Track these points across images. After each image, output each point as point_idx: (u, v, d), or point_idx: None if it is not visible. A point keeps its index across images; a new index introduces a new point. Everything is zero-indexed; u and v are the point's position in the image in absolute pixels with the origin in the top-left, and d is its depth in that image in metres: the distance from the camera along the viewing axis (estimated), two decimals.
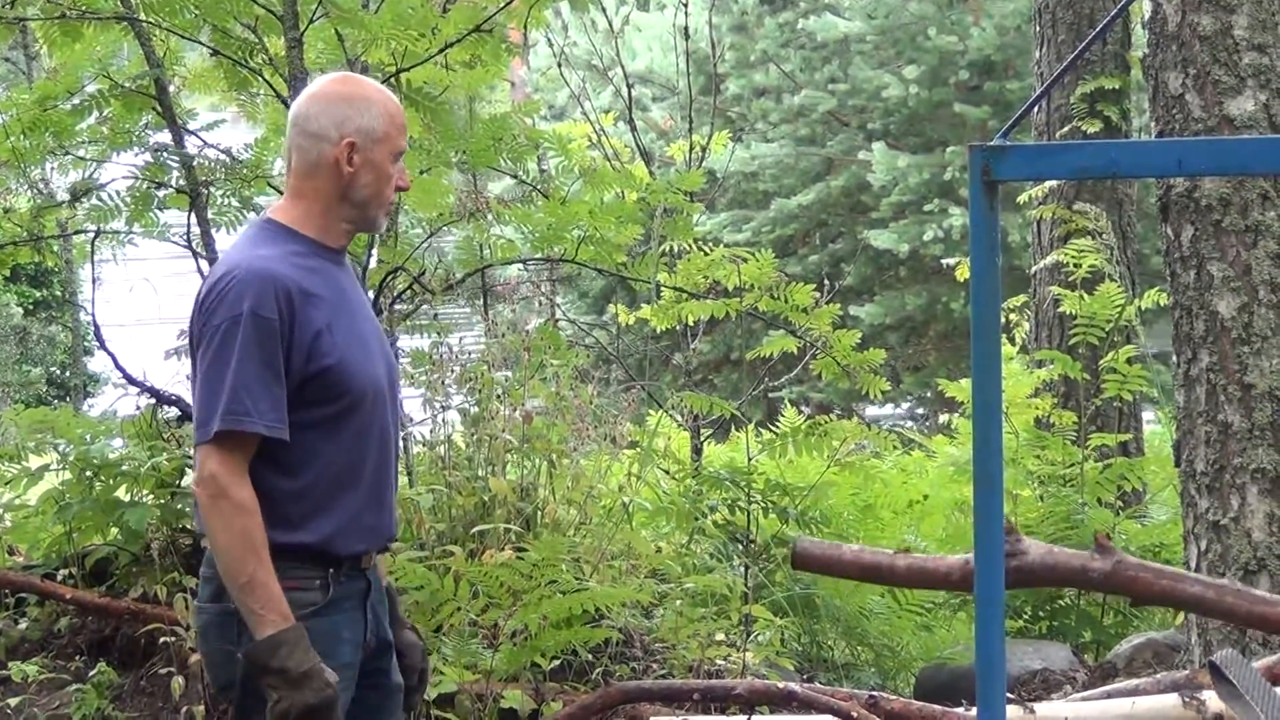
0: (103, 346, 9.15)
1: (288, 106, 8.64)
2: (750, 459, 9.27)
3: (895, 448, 13.05)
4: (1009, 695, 5.38)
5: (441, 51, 9.17)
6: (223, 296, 4.15)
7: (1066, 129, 12.23)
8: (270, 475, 4.17)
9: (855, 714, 6.39)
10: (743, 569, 8.95)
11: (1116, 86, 12.34)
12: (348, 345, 4.26)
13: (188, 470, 8.39)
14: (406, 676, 4.60)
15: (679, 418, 11.19)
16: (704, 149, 12.90)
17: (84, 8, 9.06)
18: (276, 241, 4.30)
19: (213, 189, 9.39)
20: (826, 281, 10.97)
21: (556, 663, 7.35)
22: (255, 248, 4.29)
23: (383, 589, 4.52)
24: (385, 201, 4.41)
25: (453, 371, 8.61)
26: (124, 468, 8.30)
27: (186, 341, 4.34)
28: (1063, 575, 4.88)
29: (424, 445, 8.92)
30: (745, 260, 9.85)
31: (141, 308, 10.41)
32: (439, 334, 9.29)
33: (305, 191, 4.36)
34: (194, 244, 9.21)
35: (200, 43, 9.49)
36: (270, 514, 4.13)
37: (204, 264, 9.20)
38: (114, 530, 8.30)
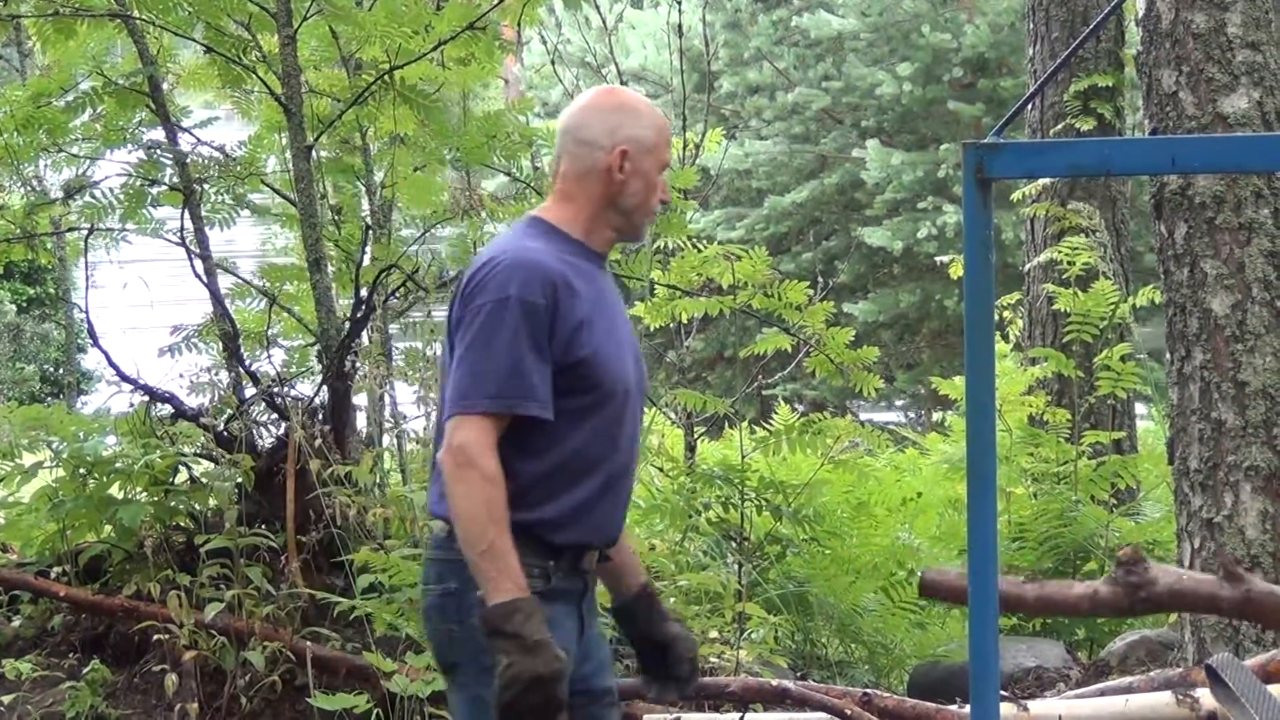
0: (96, 344, 9.14)
1: (281, 103, 8.68)
2: (744, 456, 9.27)
3: (889, 445, 13.06)
4: (1003, 693, 5.39)
5: (435, 49, 9.17)
6: (487, 280, 4.23)
7: (1060, 126, 12.24)
8: (513, 456, 4.21)
9: (849, 711, 6.40)
10: (736, 567, 8.95)
11: (1110, 84, 12.34)
12: (604, 341, 4.32)
13: (181, 468, 8.40)
14: (678, 666, 4.66)
15: (673, 415, 11.18)
16: (697, 146, 12.88)
17: (77, 5, 9.05)
18: (545, 238, 4.37)
19: (206, 186, 9.39)
20: (820, 279, 10.99)
21: None
22: (523, 240, 4.37)
23: (595, 596, 4.55)
24: (650, 211, 4.51)
25: None
26: (117, 465, 8.29)
27: (445, 324, 4.38)
28: (1191, 603, 4.83)
29: (418, 443, 8.91)
30: (739, 258, 9.84)
31: (135, 305, 10.40)
32: (433, 331, 9.28)
33: (575, 195, 4.44)
34: (188, 241, 9.20)
35: (194, 40, 9.48)
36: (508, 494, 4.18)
37: (197, 262, 9.19)
38: (107, 528, 8.30)
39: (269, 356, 9.46)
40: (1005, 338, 12.62)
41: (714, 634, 7.88)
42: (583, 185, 4.42)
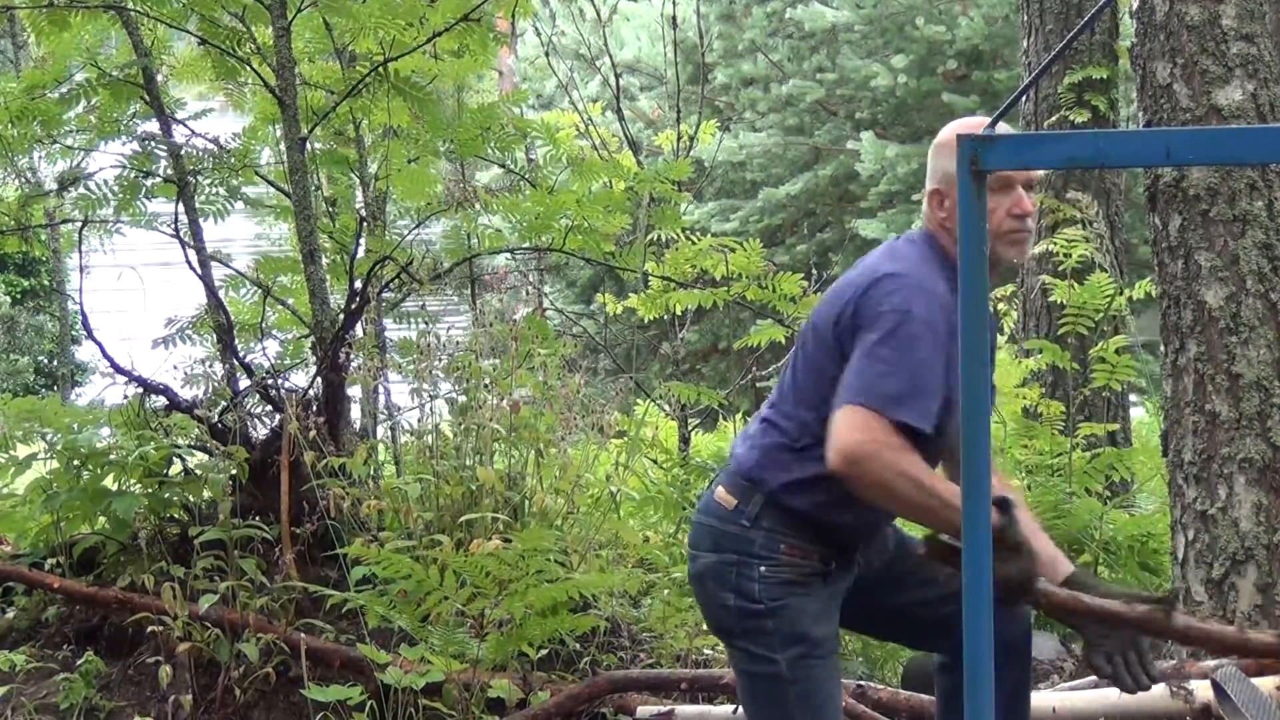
0: (90, 336, 9.14)
1: (275, 95, 8.68)
2: None
3: None
4: None
5: (430, 41, 9.18)
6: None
7: (1054, 118, 12.23)
8: None
9: (842, 704, 6.40)
10: None
11: (1104, 76, 12.34)
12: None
13: (175, 460, 8.40)
14: None
15: (666, 407, 11.19)
16: (692, 138, 12.89)
17: None
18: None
19: (201, 178, 9.39)
20: (814, 271, 10.98)
21: (544, 652, 7.36)
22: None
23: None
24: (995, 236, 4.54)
25: (440, 360, 8.61)
26: (111, 457, 8.29)
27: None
28: None
29: (411, 434, 8.91)
30: (733, 250, 9.84)
31: (129, 297, 10.41)
32: (426, 323, 9.29)
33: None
34: (182, 233, 9.20)
35: (188, 31, 9.48)
36: None
37: (191, 253, 9.19)
38: (101, 519, 8.30)
39: (263, 348, 9.47)
40: (1000, 330, 12.61)
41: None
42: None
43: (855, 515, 4.47)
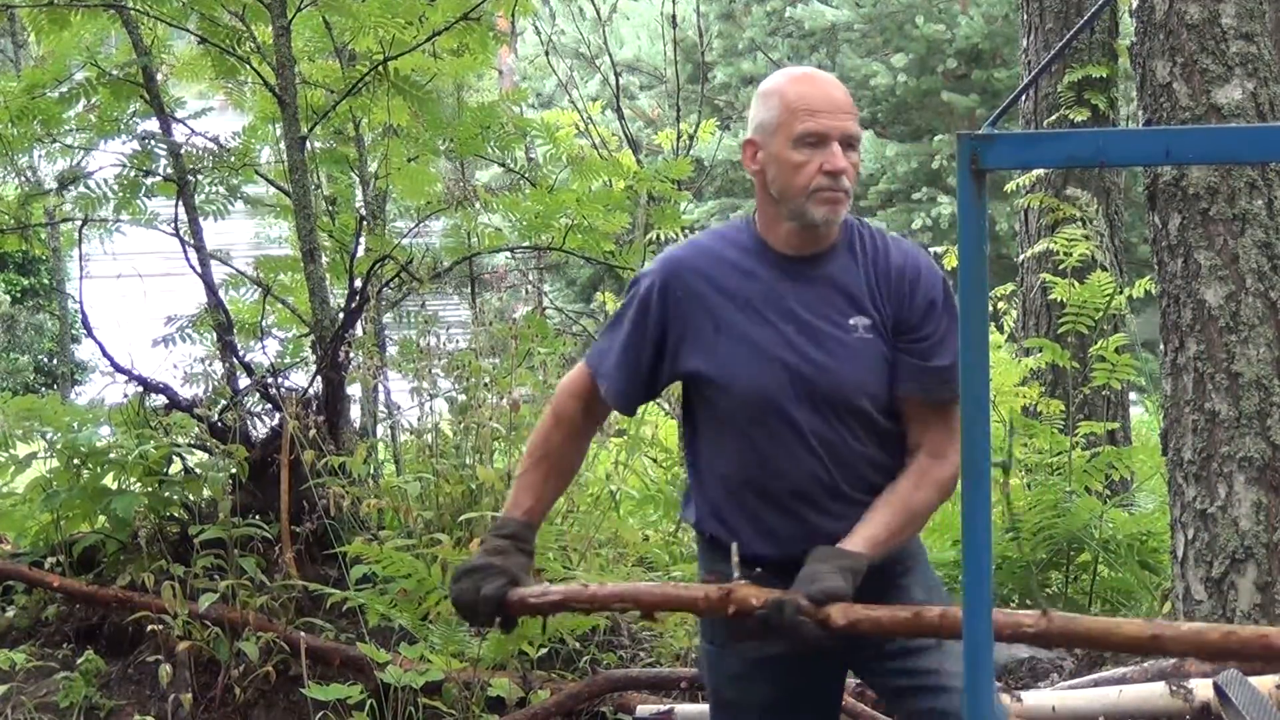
0: (90, 335, 9.14)
1: (275, 94, 8.69)
2: None
3: None
4: (996, 684, 5.39)
5: (429, 39, 9.18)
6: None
7: (1054, 117, 12.23)
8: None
9: (842, 702, 6.39)
10: None
11: (1104, 75, 12.34)
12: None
13: (175, 458, 8.40)
14: None
15: (666, 405, 11.19)
16: (691, 137, 12.87)
17: None
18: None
19: (200, 177, 9.39)
20: None
21: (544, 651, 7.35)
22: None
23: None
24: (800, 191, 4.09)
25: (440, 359, 8.61)
26: (111, 456, 8.29)
27: None
28: None
29: (411, 433, 8.92)
30: None
31: (129, 296, 10.41)
32: (426, 322, 9.29)
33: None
34: (182, 232, 9.20)
35: (188, 30, 9.49)
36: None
37: (191, 252, 9.19)
38: (101, 518, 8.30)
39: (263, 347, 9.47)
40: (1000, 328, 12.60)
41: None
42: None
43: (744, 512, 4.14)
